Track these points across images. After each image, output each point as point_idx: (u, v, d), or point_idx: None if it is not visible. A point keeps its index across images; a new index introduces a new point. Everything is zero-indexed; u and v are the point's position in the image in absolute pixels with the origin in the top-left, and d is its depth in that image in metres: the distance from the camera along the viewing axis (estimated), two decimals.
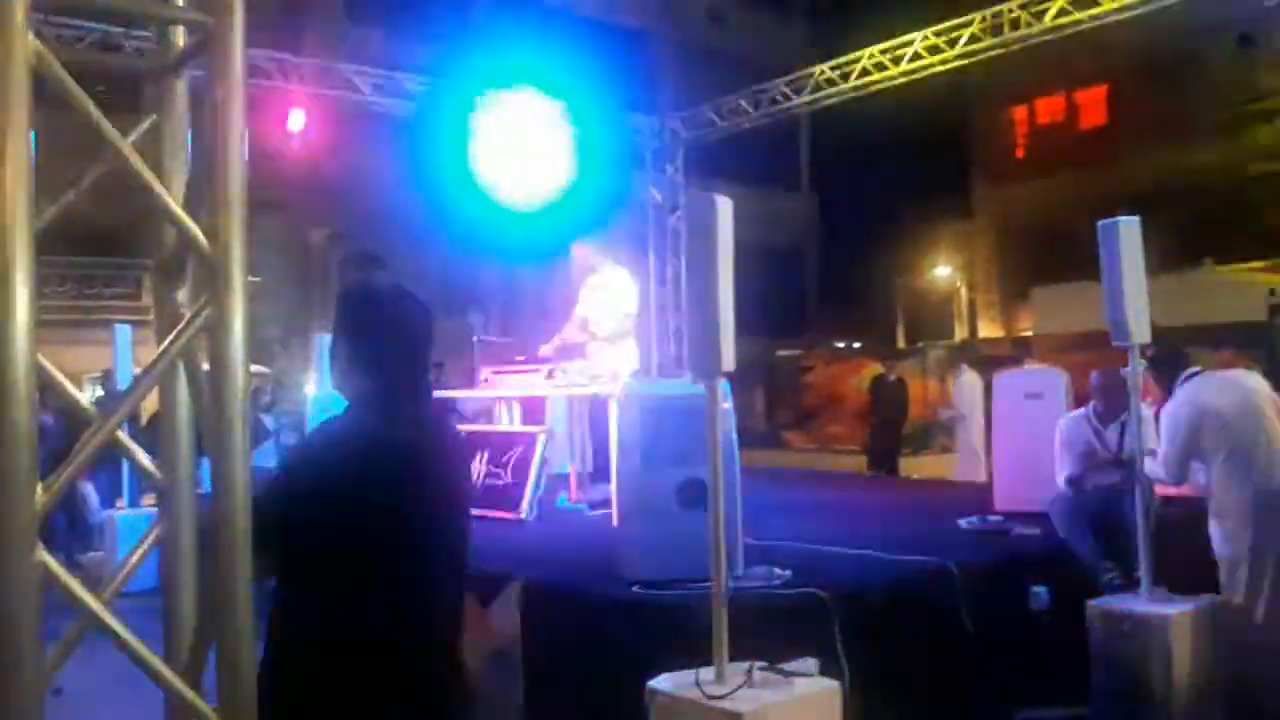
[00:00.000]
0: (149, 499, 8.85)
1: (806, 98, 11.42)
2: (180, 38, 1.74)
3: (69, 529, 9.43)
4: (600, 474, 6.68)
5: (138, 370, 9.47)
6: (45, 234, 1.51)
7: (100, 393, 11.74)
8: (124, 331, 8.98)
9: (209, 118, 1.59)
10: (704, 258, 3.44)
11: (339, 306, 2.26)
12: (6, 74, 1.35)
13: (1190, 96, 21.01)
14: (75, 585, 1.42)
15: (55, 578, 1.41)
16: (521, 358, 6.76)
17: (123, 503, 9.17)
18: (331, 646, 2.06)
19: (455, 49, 15.61)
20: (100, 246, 15.81)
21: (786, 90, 11.61)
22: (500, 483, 6.30)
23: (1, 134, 1.35)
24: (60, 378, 1.65)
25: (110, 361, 9.48)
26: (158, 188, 1.53)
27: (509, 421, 7.03)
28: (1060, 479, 5.60)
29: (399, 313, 2.24)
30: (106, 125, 1.46)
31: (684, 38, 24.17)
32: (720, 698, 3.08)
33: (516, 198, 10.56)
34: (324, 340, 6.41)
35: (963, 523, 5.60)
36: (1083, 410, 5.76)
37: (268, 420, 11.87)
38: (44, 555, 1.39)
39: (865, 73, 10.73)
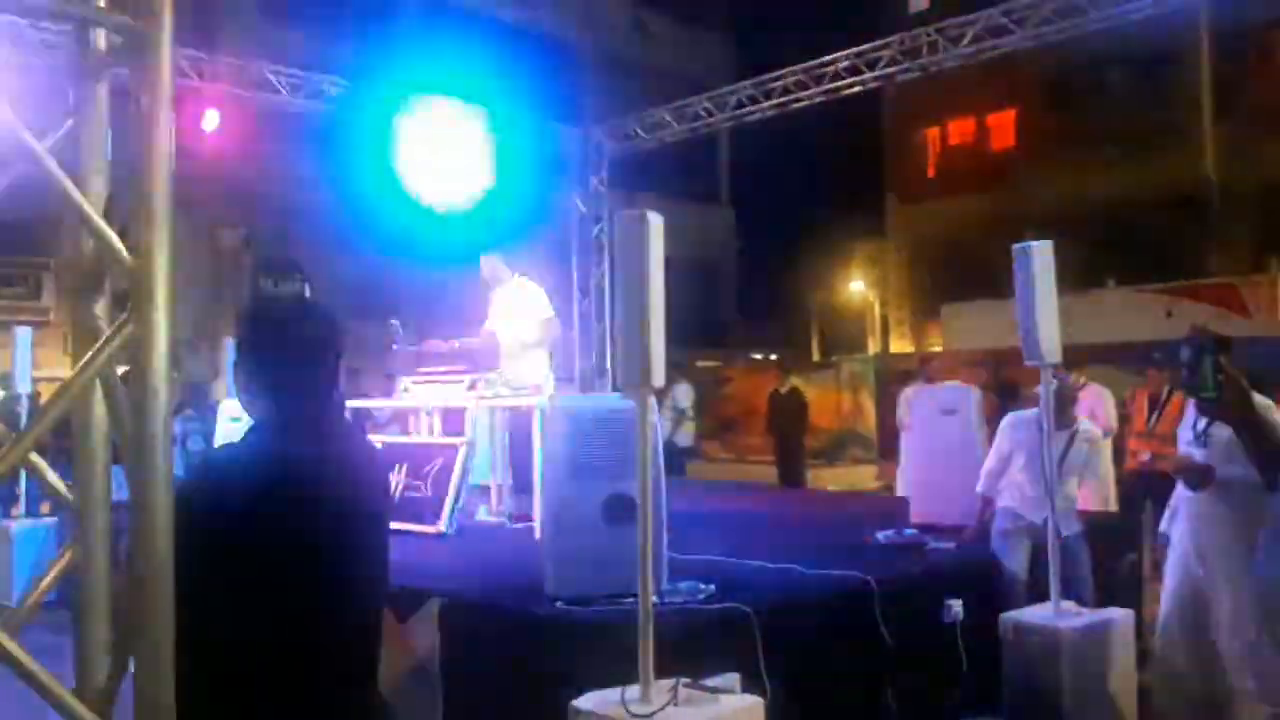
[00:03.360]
0: (46, 507, 8.49)
1: (728, 114, 11.54)
2: (102, 40, 1.67)
3: None
4: (521, 486, 6.61)
5: (36, 374, 9.10)
6: None
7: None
8: (24, 334, 8.62)
9: (133, 125, 1.52)
10: (635, 273, 3.44)
11: (241, 326, 2.19)
12: None
13: (1094, 122, 21.82)
14: None
15: None
16: (443, 365, 6.66)
17: (18, 511, 8.77)
18: (242, 674, 1.99)
19: (376, 51, 15.41)
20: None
21: (709, 106, 11.71)
22: (419, 495, 6.19)
23: None
24: None
25: (8, 364, 9.08)
26: (79, 198, 1.47)
27: (429, 432, 6.92)
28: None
29: (302, 329, 2.18)
30: (25, 131, 1.39)
31: (607, 48, 24.24)
32: (646, 717, 3.07)
33: (436, 202, 10.46)
34: (233, 345, 6.23)
35: (880, 536, 5.68)
36: (1034, 413, 5.53)
37: (175, 425, 11.49)
38: None
39: (786, 91, 10.89)
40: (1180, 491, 4.74)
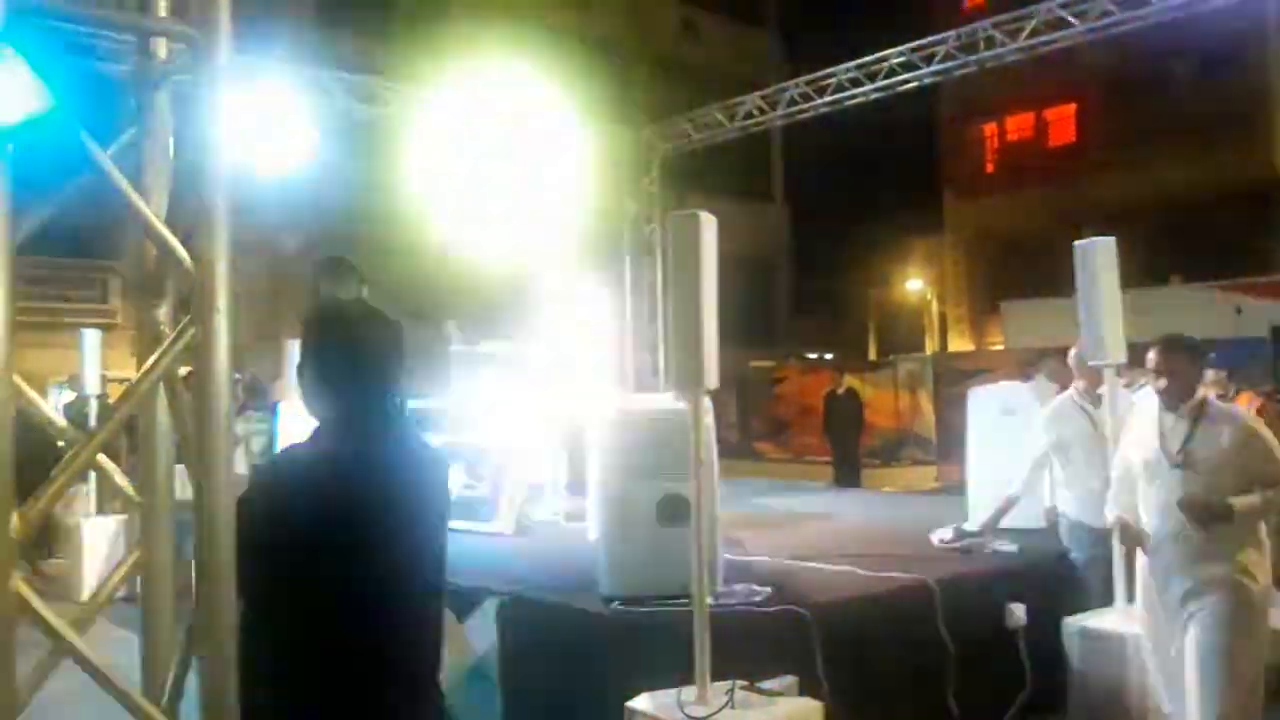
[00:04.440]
0: (117, 503, 8.68)
1: (781, 112, 11.47)
2: (163, 49, 1.70)
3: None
4: (576, 485, 6.63)
5: (104, 374, 9.32)
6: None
7: (66, 398, 11.54)
8: (92, 336, 8.84)
9: (192, 134, 1.55)
10: (688, 274, 3.42)
11: (304, 329, 2.21)
12: None
13: (1157, 115, 21.33)
14: (51, 616, 1.38)
15: (29, 607, 1.36)
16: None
17: (88, 506, 8.99)
18: (308, 671, 2.01)
19: (426, 55, 15.54)
20: (66, 248, 15.53)
21: (761, 104, 11.65)
22: (476, 495, 6.25)
23: None
24: (38, 399, 1.60)
25: (77, 366, 9.32)
26: (142, 206, 1.49)
27: (486, 432, 6.97)
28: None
29: (363, 332, 2.19)
30: (91, 142, 1.41)
31: (657, 49, 24.20)
32: (703, 719, 3.05)
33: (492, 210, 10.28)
34: (294, 347, 6.31)
35: (934, 538, 5.59)
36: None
37: (237, 426, 11.71)
38: (19, 585, 1.34)
39: (840, 88, 10.79)
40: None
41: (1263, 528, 3.91)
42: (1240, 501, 3.69)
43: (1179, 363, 3.92)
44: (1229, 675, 3.69)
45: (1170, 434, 3.90)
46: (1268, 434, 3.83)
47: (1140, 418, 4.11)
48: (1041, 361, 7.44)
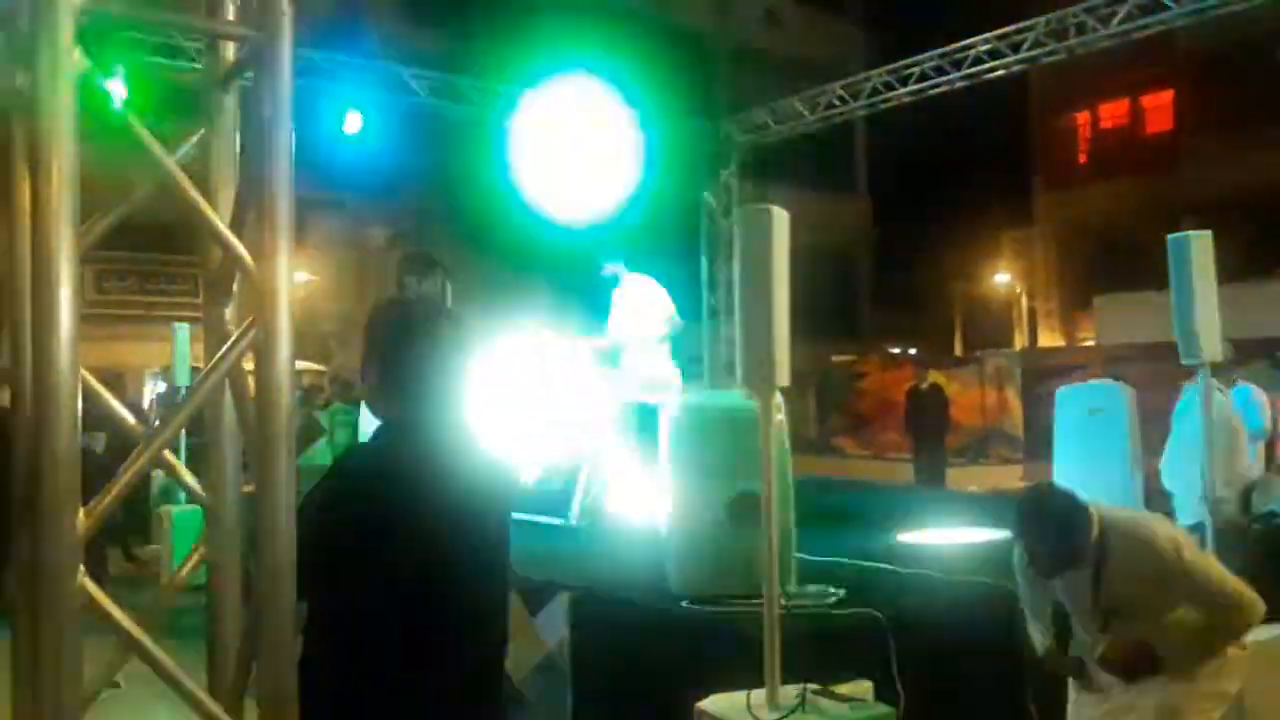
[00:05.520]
0: None
1: (863, 102, 11.29)
2: (230, 52, 1.72)
3: (126, 520, 9.55)
4: (649, 479, 6.62)
5: (195, 366, 9.62)
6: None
7: (161, 388, 11.97)
8: (183, 330, 9.13)
9: (255, 135, 1.56)
10: (759, 270, 3.37)
11: (369, 329, 2.21)
12: (54, 90, 1.33)
13: (1260, 100, 20.42)
14: (119, 614, 1.40)
15: (97, 605, 1.38)
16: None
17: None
18: (373, 667, 2.03)
19: (507, 50, 15.65)
20: (162, 243, 16.10)
21: (844, 94, 11.48)
22: (550, 488, 6.28)
23: (47, 149, 1.33)
24: (109, 397, 1.63)
25: (170, 358, 9.64)
26: (204, 207, 1.51)
27: (560, 426, 7.00)
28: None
29: (429, 330, 2.18)
30: (154, 144, 1.43)
31: (737, 39, 24.01)
32: None
33: (572, 213, 10.06)
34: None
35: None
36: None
37: (323, 418, 12.02)
38: (86, 582, 1.37)
39: (924, 77, 10.56)
40: None
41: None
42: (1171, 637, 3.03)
43: (1045, 538, 3.15)
44: None
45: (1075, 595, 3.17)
46: (1177, 547, 3.09)
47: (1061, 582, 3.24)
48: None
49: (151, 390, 14.45)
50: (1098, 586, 3.08)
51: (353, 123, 10.18)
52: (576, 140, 10.16)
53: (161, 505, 9.55)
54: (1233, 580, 3.12)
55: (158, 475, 9.82)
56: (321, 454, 10.81)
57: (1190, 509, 5.30)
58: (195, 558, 1.68)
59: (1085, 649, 3.21)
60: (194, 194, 1.49)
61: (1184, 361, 4.68)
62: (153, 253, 17.04)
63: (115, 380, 11.04)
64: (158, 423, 2.52)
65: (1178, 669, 3.07)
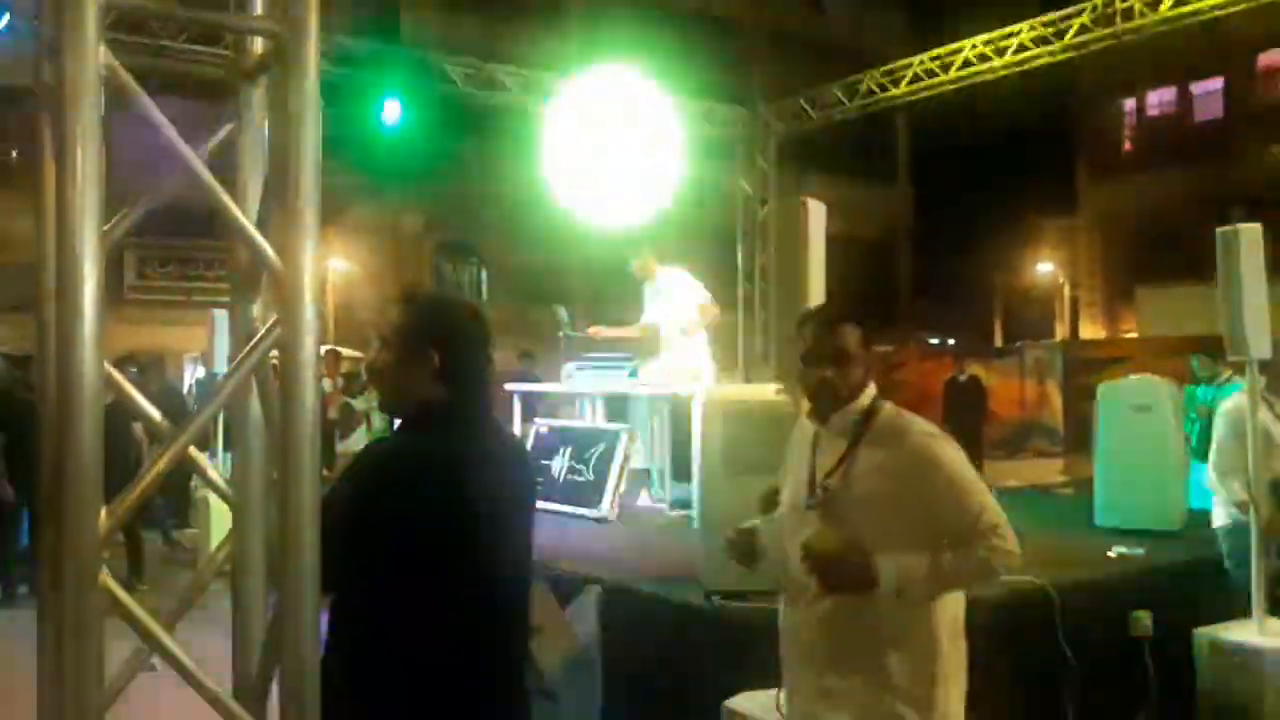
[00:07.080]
0: None
1: (904, 89, 11.14)
2: (258, 47, 1.70)
3: (165, 504, 9.68)
4: (680, 472, 6.59)
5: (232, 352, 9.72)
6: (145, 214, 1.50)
7: (200, 373, 12.12)
8: (222, 316, 9.21)
9: (281, 132, 1.54)
10: (793, 261, 3.33)
11: (428, 324, 2.22)
12: (78, 87, 1.32)
13: None
14: (141, 613, 1.39)
15: (119, 604, 1.38)
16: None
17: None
18: (406, 658, 2.04)
19: (546, 38, 15.64)
20: (202, 228, 16.29)
21: (884, 81, 11.33)
22: (582, 479, 6.26)
23: (71, 146, 1.32)
24: (138, 396, 1.63)
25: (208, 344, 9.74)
26: (231, 207, 1.49)
27: (592, 416, 6.99)
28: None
29: (488, 331, 2.25)
30: (179, 142, 1.42)
31: (775, 24, 23.77)
32: None
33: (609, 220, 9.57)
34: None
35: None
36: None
37: (359, 404, 12.10)
38: (108, 581, 1.36)
39: (967, 64, 10.41)
40: None
41: (941, 632, 2.51)
42: (894, 565, 2.28)
43: (839, 342, 2.47)
44: None
45: (820, 459, 2.52)
46: (956, 461, 2.46)
47: (798, 433, 2.74)
48: None
49: (191, 375, 14.64)
50: (842, 467, 2.48)
51: (392, 112, 10.19)
52: (614, 143, 9.21)
53: (201, 489, 9.65)
54: None
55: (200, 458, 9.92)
56: (358, 440, 10.88)
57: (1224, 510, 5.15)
58: (229, 545, 1.68)
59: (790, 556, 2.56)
60: (222, 195, 1.48)
61: (1230, 358, 4.57)
62: (193, 239, 17.24)
63: (157, 362, 11.17)
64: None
65: (892, 632, 2.50)
